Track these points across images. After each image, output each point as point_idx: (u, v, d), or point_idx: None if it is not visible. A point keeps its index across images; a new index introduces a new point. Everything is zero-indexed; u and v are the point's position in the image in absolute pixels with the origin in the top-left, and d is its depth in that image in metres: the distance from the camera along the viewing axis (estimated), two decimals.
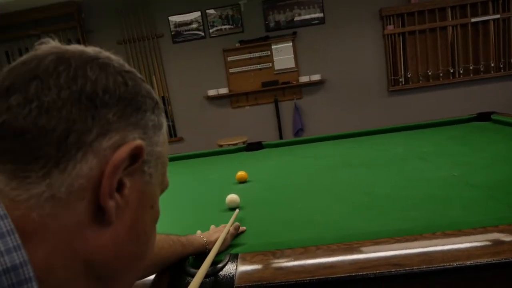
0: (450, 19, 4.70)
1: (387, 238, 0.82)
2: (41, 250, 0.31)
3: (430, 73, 4.80)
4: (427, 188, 1.24)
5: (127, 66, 0.40)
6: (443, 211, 1.01)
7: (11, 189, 0.32)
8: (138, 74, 0.42)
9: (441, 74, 4.81)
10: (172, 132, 5.28)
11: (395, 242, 0.80)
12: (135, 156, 0.37)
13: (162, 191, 0.45)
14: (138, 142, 0.37)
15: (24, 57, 0.37)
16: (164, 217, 1.39)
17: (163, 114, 0.44)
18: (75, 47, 0.38)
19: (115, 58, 0.40)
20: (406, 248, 0.77)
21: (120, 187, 0.36)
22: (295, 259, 0.81)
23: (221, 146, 4.11)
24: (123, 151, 0.35)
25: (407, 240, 0.80)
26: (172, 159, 2.45)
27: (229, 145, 3.97)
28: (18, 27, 5.07)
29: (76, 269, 0.34)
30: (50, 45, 0.38)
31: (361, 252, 0.79)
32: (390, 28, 4.75)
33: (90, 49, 0.39)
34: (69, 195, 0.33)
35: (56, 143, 0.32)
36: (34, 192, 0.32)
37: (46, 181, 0.32)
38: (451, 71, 4.79)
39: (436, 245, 0.76)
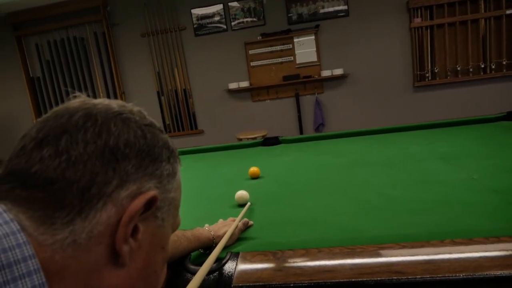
0: (483, 11, 4.48)
1: (392, 243, 0.78)
2: None
3: (459, 68, 4.62)
4: (443, 191, 1.18)
5: (147, 119, 0.44)
6: (456, 217, 0.96)
7: (39, 234, 0.35)
8: (157, 125, 0.45)
9: (471, 70, 4.61)
10: (193, 125, 5.32)
11: (400, 248, 0.76)
12: (150, 204, 0.40)
13: (174, 230, 0.48)
14: (153, 192, 0.40)
15: (58, 109, 0.41)
16: None
17: (178, 161, 0.47)
18: (101, 102, 0.42)
19: (137, 111, 0.44)
20: (411, 255, 0.74)
21: (134, 232, 0.39)
22: (296, 261, 0.79)
23: (240, 139, 4.11)
24: (139, 202, 0.39)
25: (413, 247, 0.76)
26: (189, 152, 2.47)
27: (248, 138, 3.96)
28: (47, 21, 5.21)
29: None
30: (80, 99, 0.42)
31: (363, 256, 0.76)
32: (417, 21, 4.59)
33: (115, 104, 0.43)
34: (89, 240, 0.36)
35: (80, 194, 0.36)
36: (59, 238, 0.35)
37: (70, 227, 0.36)
38: (482, 66, 4.58)
39: (443, 253, 0.72)
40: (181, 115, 5.30)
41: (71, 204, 0.36)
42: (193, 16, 5.02)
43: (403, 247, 0.77)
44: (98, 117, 0.39)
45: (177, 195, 0.47)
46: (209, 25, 5.01)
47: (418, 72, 4.71)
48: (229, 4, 4.91)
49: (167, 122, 5.31)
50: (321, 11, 4.78)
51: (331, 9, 4.76)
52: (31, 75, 5.46)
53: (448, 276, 0.66)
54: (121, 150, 0.39)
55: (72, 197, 0.36)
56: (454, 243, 0.75)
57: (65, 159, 0.36)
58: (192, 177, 1.85)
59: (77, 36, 5.25)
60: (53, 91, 5.43)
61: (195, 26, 5.05)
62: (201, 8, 4.98)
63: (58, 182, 0.36)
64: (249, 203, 1.21)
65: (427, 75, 4.70)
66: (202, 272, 0.65)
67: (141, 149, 0.41)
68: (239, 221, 1.00)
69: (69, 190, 0.36)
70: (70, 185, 0.36)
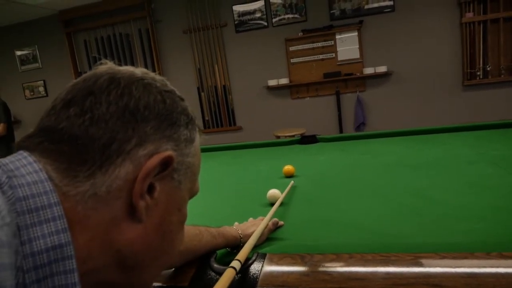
0: None
1: (432, 253, 0.72)
2: (82, 237, 0.38)
3: None
4: (492, 198, 1.09)
5: (168, 86, 0.47)
6: (506, 227, 0.87)
7: (64, 185, 0.38)
8: (177, 93, 0.48)
9: None
10: (232, 121, 5.35)
11: (440, 259, 0.70)
12: (166, 164, 0.42)
13: (191, 196, 0.50)
14: (169, 152, 0.42)
15: (86, 74, 0.44)
16: (203, 204, 1.36)
17: (197, 129, 0.50)
18: (126, 69, 0.45)
19: (159, 79, 0.47)
20: (452, 267, 0.67)
21: (151, 190, 0.42)
22: (325, 266, 0.75)
23: (278, 137, 4.07)
24: (155, 160, 0.41)
25: (454, 258, 0.69)
26: (227, 148, 2.47)
27: (286, 136, 3.91)
28: (95, 18, 5.44)
29: (110, 257, 0.40)
30: (107, 65, 0.45)
31: (398, 265, 0.70)
32: (469, 15, 4.32)
33: (139, 71, 0.46)
34: (108, 194, 0.39)
35: (101, 150, 0.39)
36: (81, 190, 0.38)
37: (91, 180, 0.38)
38: None
39: (489, 267, 0.65)
40: (220, 111, 5.34)
41: (92, 159, 0.38)
42: (234, 12, 5.04)
43: (444, 257, 0.70)
44: (121, 81, 0.42)
45: (195, 161, 0.48)
46: (250, 22, 5.01)
47: (468, 70, 4.44)
48: (271, 0, 4.88)
49: (206, 118, 5.38)
50: (366, 6, 4.63)
51: (375, 5, 4.59)
52: (79, 70, 5.74)
53: None
54: (140, 112, 0.41)
55: (94, 152, 0.38)
56: (502, 256, 0.68)
57: (89, 117, 0.39)
58: (228, 173, 1.84)
59: (122, 32, 5.44)
60: None
61: (236, 22, 5.06)
62: (242, 5, 4.99)
63: (82, 138, 0.39)
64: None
65: (478, 73, 4.42)
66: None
67: (160, 113, 0.43)
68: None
69: (91, 146, 0.39)
70: (92, 142, 0.39)
